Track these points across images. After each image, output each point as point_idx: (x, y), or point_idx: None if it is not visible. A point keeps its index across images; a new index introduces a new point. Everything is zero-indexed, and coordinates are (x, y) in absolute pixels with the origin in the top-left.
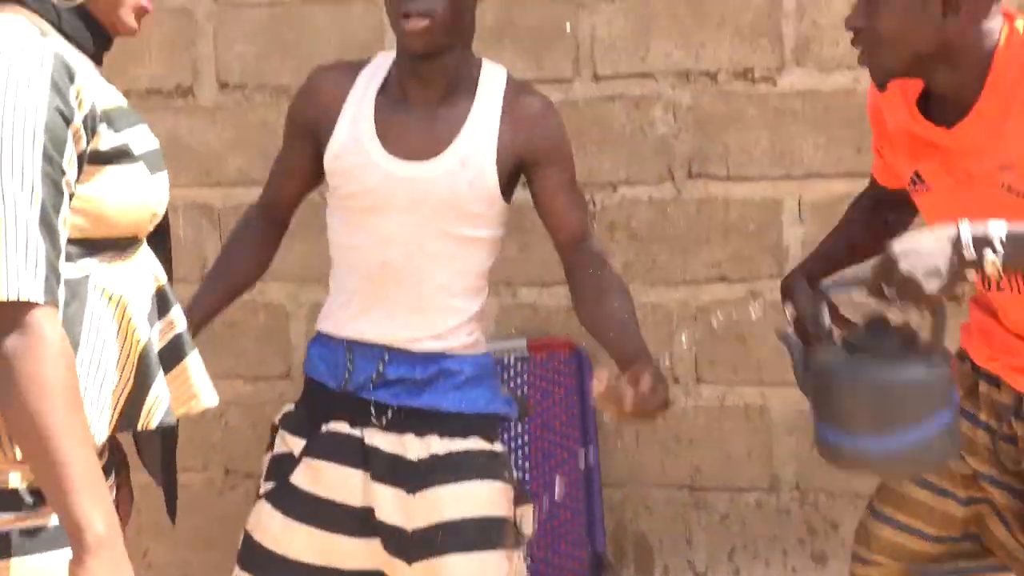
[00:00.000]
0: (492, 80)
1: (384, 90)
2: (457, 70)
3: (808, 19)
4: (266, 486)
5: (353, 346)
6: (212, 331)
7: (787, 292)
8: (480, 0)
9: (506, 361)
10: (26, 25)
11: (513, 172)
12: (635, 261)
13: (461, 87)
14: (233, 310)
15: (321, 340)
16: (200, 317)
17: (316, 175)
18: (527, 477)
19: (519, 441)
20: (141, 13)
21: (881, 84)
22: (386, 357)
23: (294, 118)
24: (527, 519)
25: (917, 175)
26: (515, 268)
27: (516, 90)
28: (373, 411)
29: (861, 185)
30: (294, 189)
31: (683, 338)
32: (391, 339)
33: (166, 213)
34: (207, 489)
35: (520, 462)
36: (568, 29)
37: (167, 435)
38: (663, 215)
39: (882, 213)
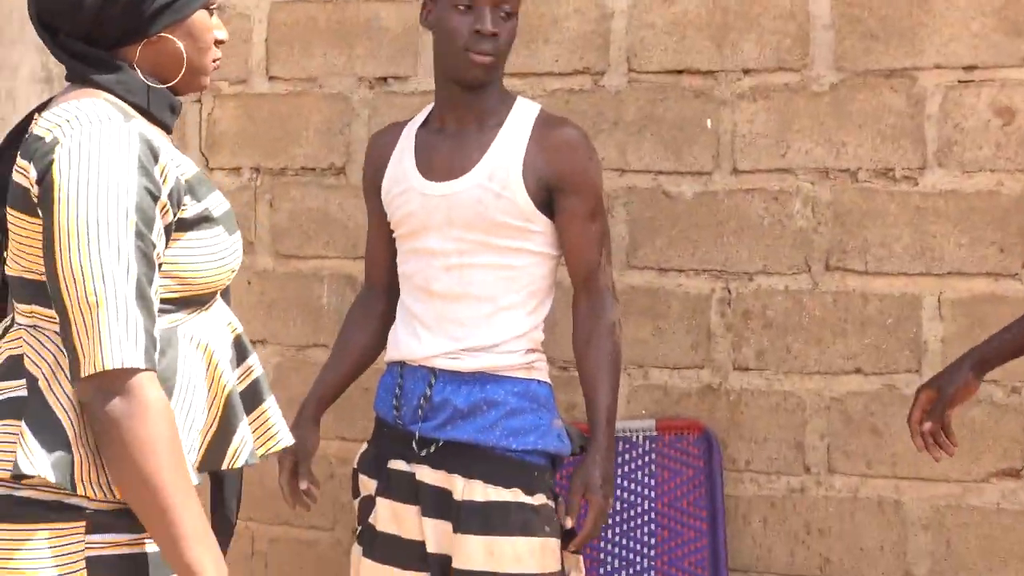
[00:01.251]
0: (524, 111)
1: (424, 126)
2: (491, 100)
3: (951, 123)
4: (359, 530)
5: (404, 368)
6: (346, 395)
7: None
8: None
9: (635, 440)
10: (107, 107)
11: (544, 193)
12: (769, 349)
13: (494, 116)
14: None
15: (385, 370)
16: (322, 394)
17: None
18: (653, 555)
19: (646, 518)
20: (215, 67)
21: None
22: (432, 380)
23: (365, 185)
24: (578, 569)
25: None
26: (646, 350)
27: (547, 120)
28: (416, 446)
29: (1005, 285)
30: (382, 250)
31: (816, 428)
32: (438, 354)
33: None
34: (333, 548)
35: (646, 539)
36: (709, 125)
37: (239, 478)
38: (799, 305)
39: None
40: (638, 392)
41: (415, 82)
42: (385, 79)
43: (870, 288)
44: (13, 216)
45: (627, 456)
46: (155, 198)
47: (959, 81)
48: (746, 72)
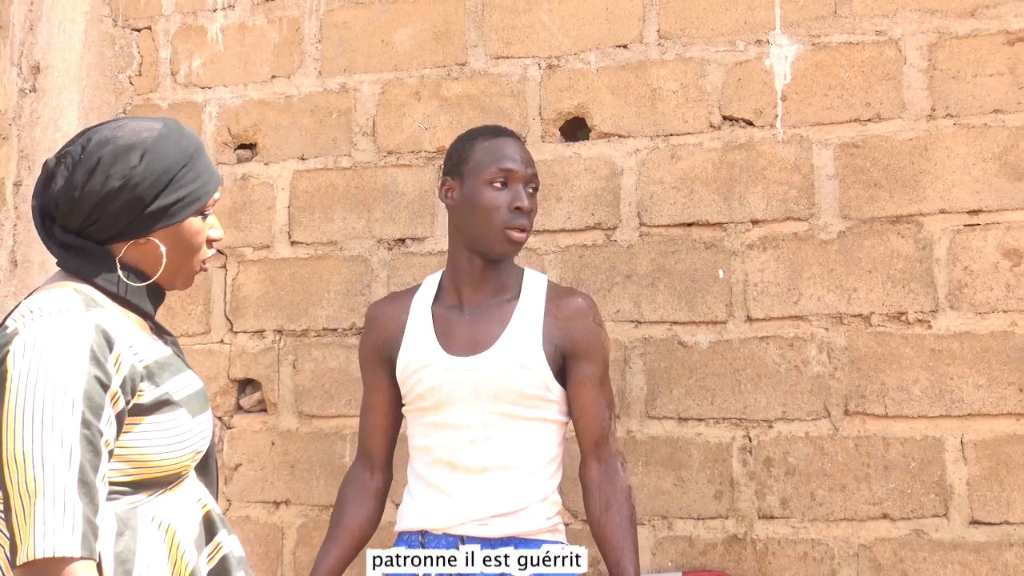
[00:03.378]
0: (535, 283)
1: (437, 301)
2: (504, 273)
3: (960, 266)
4: None
5: (426, 536)
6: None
7: None
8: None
9: None
10: (72, 298)
11: (559, 362)
12: (793, 496)
13: (508, 289)
14: None
15: (397, 539)
16: None
17: (397, 403)
18: None
19: None
20: (200, 271)
21: None
22: (460, 545)
23: (366, 356)
24: None
25: None
26: (669, 501)
27: (558, 291)
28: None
29: None
30: (383, 424)
31: None
32: (464, 520)
33: (212, 445)
34: None
35: None
36: (721, 275)
37: None
38: (821, 452)
39: None
40: (663, 544)
41: (432, 242)
42: (403, 240)
43: (891, 432)
44: None
45: None
46: (104, 387)
47: (965, 225)
48: (754, 223)
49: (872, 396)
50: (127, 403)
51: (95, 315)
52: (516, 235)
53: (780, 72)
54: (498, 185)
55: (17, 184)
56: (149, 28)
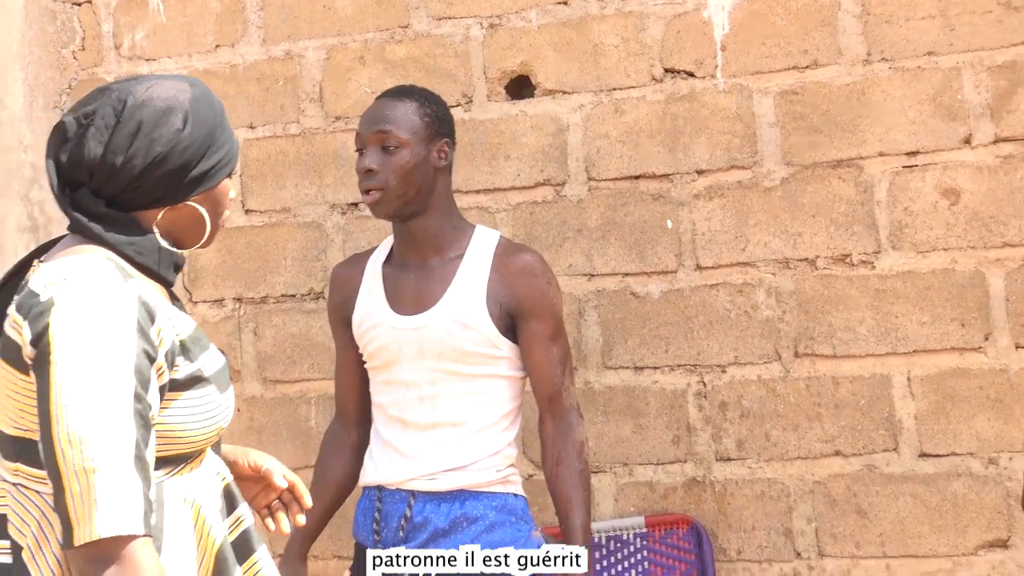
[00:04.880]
0: (484, 241)
1: (388, 261)
2: (440, 230)
3: (900, 207)
4: None
5: (383, 491)
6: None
7: None
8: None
9: (625, 538)
10: (107, 266)
11: (507, 319)
12: (749, 438)
13: (452, 246)
14: None
15: (362, 495)
16: (305, 532)
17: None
18: None
19: None
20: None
21: None
22: (412, 500)
23: (331, 317)
24: None
25: None
26: (629, 448)
27: (507, 249)
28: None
29: (970, 358)
30: (353, 382)
31: (803, 513)
32: (416, 476)
33: None
34: None
35: None
36: (670, 225)
37: None
38: (773, 394)
39: None
40: (625, 490)
41: None
42: (356, 204)
43: (840, 371)
44: (2, 368)
45: (619, 555)
46: (152, 359)
47: (903, 167)
48: (700, 173)
49: (820, 337)
50: (168, 377)
51: (134, 285)
52: (365, 198)
53: (719, 23)
54: (356, 151)
55: None
56: (89, 1)
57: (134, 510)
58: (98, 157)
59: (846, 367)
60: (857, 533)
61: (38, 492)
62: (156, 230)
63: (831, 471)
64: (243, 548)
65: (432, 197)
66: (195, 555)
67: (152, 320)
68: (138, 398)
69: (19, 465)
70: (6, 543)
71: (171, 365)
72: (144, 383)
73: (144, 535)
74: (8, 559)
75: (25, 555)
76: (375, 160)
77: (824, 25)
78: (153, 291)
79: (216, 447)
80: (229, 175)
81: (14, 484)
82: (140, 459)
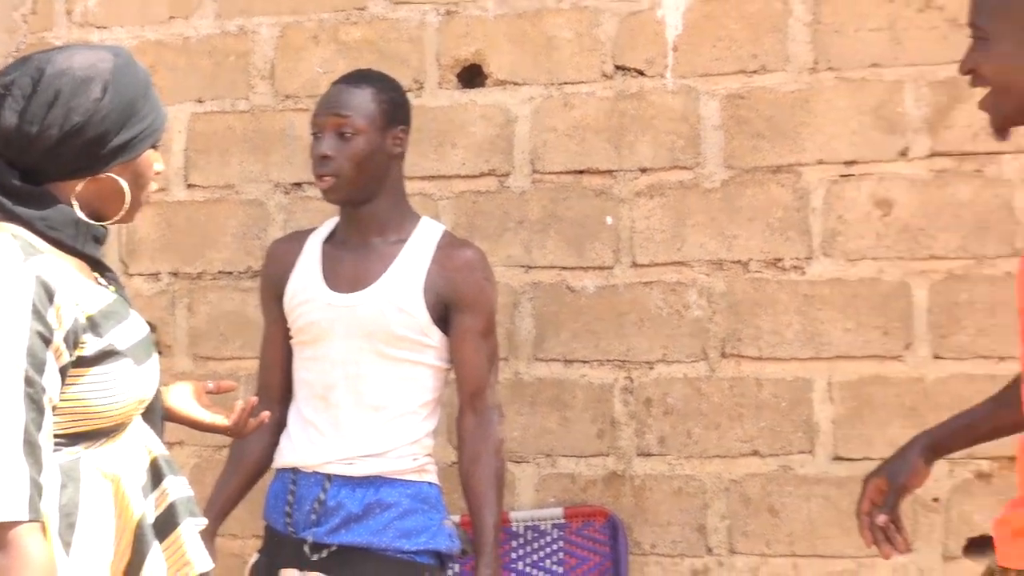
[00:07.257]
0: (428, 231)
1: (330, 239)
2: (387, 216)
3: (834, 215)
4: None
5: (298, 474)
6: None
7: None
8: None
9: (543, 528)
10: (9, 244)
11: (441, 309)
12: (671, 434)
13: (395, 231)
14: None
15: (276, 477)
16: (219, 509)
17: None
18: None
19: None
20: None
21: (998, 131)
22: (327, 484)
23: (262, 291)
24: None
25: None
26: (554, 439)
27: (450, 242)
28: (308, 551)
29: (889, 367)
30: (279, 358)
31: (717, 510)
32: (333, 460)
33: (157, 390)
34: None
35: None
36: (609, 221)
37: None
38: (698, 392)
39: None
40: (546, 481)
41: None
42: (300, 184)
43: (764, 373)
44: None
45: (536, 544)
46: (47, 341)
47: (840, 176)
48: (643, 171)
49: (747, 339)
50: (70, 356)
51: (34, 264)
52: (319, 183)
53: (672, 23)
54: (312, 135)
55: None
56: None
57: (18, 496)
58: (13, 126)
59: (770, 369)
60: (768, 532)
61: None
62: (75, 202)
63: (748, 470)
64: (166, 524)
65: (385, 183)
66: (114, 529)
67: (51, 300)
68: (29, 382)
69: None
70: None
71: (74, 344)
72: (38, 366)
73: (30, 520)
74: None
75: None
76: (331, 146)
77: (775, 31)
78: (63, 266)
79: (150, 419)
80: (154, 147)
81: None
82: (30, 443)
